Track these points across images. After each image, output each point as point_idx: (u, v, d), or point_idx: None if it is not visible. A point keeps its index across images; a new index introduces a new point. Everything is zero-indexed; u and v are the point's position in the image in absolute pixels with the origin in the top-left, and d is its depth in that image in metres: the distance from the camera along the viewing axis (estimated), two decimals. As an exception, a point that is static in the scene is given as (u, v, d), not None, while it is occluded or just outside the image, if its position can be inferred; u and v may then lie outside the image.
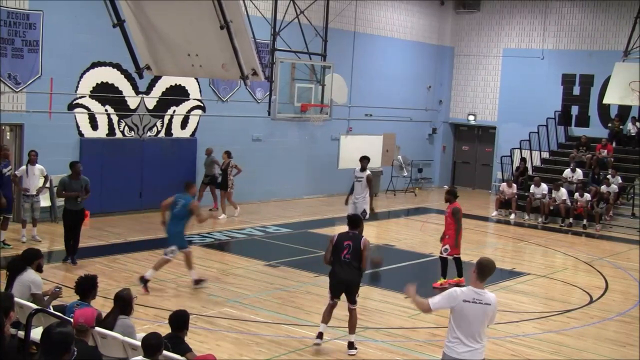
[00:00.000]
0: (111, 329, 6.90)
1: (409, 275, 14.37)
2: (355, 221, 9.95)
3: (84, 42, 16.91)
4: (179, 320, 7.05)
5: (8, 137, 16.28)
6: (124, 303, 7.21)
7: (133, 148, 18.10)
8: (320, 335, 9.65)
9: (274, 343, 9.71)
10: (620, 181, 21.36)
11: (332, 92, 17.94)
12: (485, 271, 6.75)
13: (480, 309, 6.69)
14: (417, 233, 18.69)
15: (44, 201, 16.13)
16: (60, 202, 16.77)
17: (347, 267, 9.48)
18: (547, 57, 25.85)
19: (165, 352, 6.27)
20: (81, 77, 17.12)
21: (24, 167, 14.46)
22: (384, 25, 25.20)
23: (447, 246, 13.03)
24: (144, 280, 11.60)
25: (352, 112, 24.04)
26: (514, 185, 22.09)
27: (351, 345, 9.64)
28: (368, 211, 15.22)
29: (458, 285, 12.90)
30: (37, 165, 14.41)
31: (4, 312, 6.02)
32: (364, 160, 15.40)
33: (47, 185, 15.23)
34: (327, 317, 9.72)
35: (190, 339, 7.46)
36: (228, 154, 18.87)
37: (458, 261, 13.20)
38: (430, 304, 6.82)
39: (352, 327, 9.67)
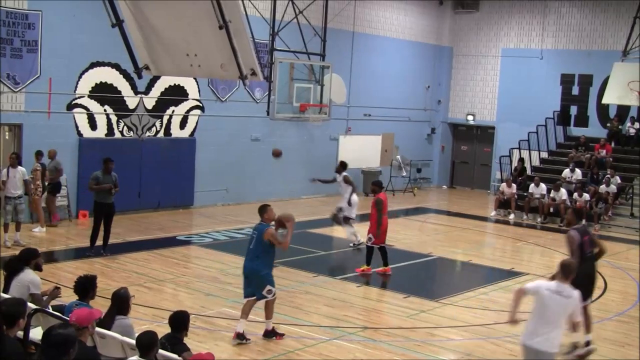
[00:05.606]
0: (109, 329, 6.90)
1: (408, 275, 14.37)
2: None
3: (83, 42, 16.90)
4: (179, 321, 7.05)
5: (7, 137, 16.27)
6: (121, 302, 7.19)
7: (132, 148, 18.09)
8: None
9: (272, 343, 9.70)
10: (619, 181, 21.37)
11: (331, 92, 17.93)
12: (566, 270, 7.44)
13: (562, 300, 7.28)
14: (416, 233, 18.69)
15: (42, 201, 16.11)
16: (60, 202, 16.87)
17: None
18: (545, 57, 25.86)
19: (162, 352, 6.27)
20: (80, 77, 17.11)
21: (4, 169, 14.38)
22: (383, 25, 25.20)
23: (370, 235, 13.47)
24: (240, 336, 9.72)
25: (350, 112, 24.04)
26: (514, 185, 22.09)
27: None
28: None
29: (385, 274, 13.47)
30: (20, 168, 14.30)
31: (13, 319, 5.95)
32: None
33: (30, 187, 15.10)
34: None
35: (189, 338, 7.45)
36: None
37: (382, 250, 13.57)
38: (525, 287, 7.59)
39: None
